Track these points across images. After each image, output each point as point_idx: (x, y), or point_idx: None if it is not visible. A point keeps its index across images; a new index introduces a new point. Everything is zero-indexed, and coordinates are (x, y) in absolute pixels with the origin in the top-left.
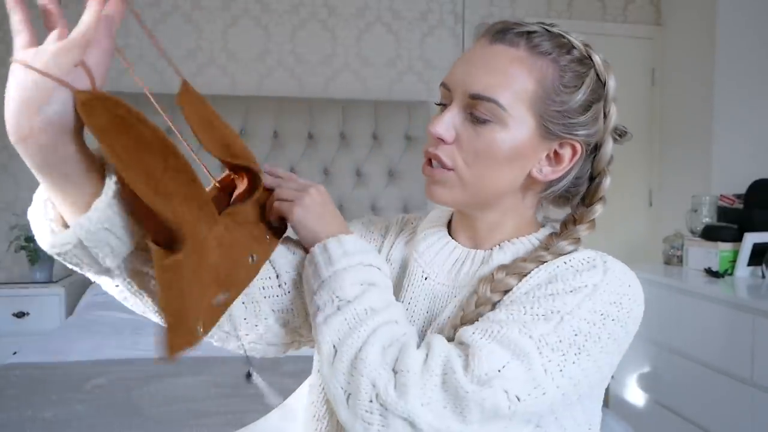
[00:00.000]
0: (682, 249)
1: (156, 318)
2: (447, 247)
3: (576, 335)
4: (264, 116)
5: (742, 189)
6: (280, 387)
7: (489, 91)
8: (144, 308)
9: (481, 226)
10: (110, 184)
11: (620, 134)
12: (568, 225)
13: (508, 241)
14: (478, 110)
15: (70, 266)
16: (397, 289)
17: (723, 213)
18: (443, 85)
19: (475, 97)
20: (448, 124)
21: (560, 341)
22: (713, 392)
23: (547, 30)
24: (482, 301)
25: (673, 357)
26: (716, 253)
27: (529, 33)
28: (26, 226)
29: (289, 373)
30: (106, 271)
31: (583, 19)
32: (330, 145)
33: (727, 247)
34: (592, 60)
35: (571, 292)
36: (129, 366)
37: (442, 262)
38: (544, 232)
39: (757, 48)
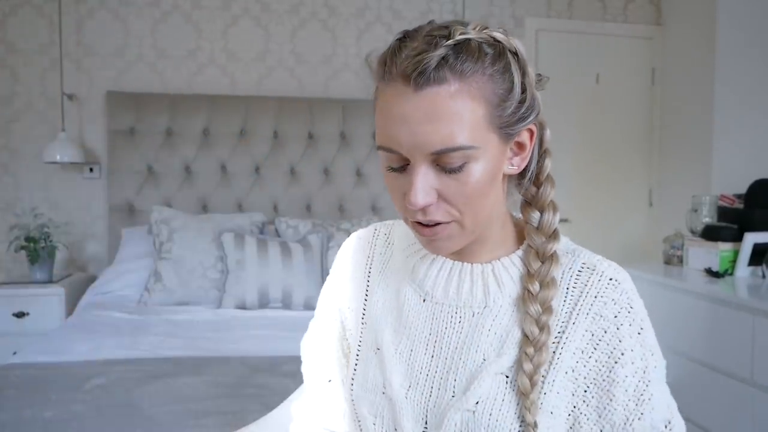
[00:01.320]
0: (682, 249)
1: None
2: (435, 264)
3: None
4: (264, 116)
5: (742, 189)
6: (280, 387)
7: (449, 141)
8: None
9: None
10: None
11: (539, 81)
12: (531, 206)
13: (507, 257)
14: (448, 162)
15: None
16: (396, 315)
17: (723, 213)
18: (386, 149)
19: (439, 153)
20: (426, 189)
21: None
22: (713, 392)
23: (453, 45)
24: (543, 323)
25: (674, 357)
26: (716, 253)
27: (444, 60)
28: (26, 226)
29: (288, 373)
30: None
31: (583, 19)
32: (330, 145)
33: (727, 247)
34: (498, 41)
35: (632, 329)
36: (129, 366)
37: (435, 279)
38: (524, 246)
39: (757, 48)
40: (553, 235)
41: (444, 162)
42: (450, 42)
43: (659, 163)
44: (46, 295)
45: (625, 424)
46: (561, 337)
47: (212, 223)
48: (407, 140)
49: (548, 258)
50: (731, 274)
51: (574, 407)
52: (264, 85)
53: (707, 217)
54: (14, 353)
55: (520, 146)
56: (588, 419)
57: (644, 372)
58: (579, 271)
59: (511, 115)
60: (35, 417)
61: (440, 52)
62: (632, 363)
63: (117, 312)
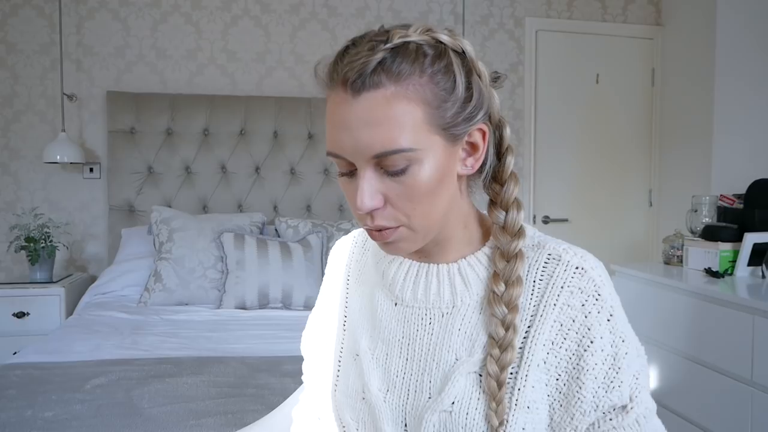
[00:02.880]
0: (682, 249)
1: None
2: (402, 266)
3: (635, 351)
4: (264, 116)
5: (742, 189)
6: (280, 387)
7: (389, 144)
8: None
9: (430, 241)
10: None
11: (495, 79)
12: (496, 205)
13: (473, 255)
14: (390, 166)
15: None
16: (372, 321)
17: (723, 213)
18: (333, 155)
19: (380, 156)
20: (371, 192)
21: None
22: (713, 392)
23: (391, 48)
24: (508, 323)
25: (673, 357)
26: (716, 253)
27: (380, 64)
28: (26, 226)
29: (288, 373)
30: None
31: (583, 19)
32: None
33: (727, 247)
34: (442, 43)
35: (601, 316)
36: (129, 366)
37: (403, 282)
38: (490, 244)
39: (757, 48)
40: (518, 233)
41: (386, 165)
42: (388, 45)
43: (659, 163)
44: (46, 295)
45: (594, 410)
46: (530, 332)
47: (212, 223)
48: (349, 145)
49: (513, 257)
50: (731, 274)
51: (548, 396)
52: (264, 85)
53: (707, 217)
54: (14, 353)
55: (473, 146)
56: (560, 406)
57: (614, 359)
58: (545, 263)
59: (455, 116)
60: (35, 417)
61: (378, 56)
62: (602, 350)
63: (117, 312)
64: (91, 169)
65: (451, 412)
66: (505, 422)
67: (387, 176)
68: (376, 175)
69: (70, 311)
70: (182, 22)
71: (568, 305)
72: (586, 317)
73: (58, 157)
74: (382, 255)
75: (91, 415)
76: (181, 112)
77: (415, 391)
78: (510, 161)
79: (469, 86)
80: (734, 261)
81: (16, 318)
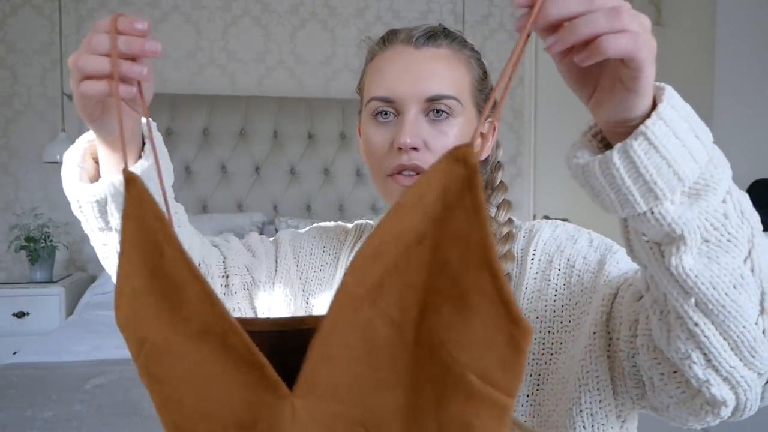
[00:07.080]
0: None
1: None
2: None
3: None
4: (264, 116)
5: (742, 189)
6: None
7: (443, 89)
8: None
9: None
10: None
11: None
12: (489, 203)
13: None
14: (435, 110)
15: (76, 213)
16: None
17: None
18: (382, 99)
19: (434, 99)
20: (415, 131)
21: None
22: None
23: (444, 28)
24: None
25: None
26: None
27: (442, 32)
28: (26, 226)
29: None
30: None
31: None
32: (330, 145)
33: None
34: (472, 45)
35: (568, 240)
36: (129, 366)
37: None
38: None
39: (757, 48)
40: (507, 222)
41: (433, 109)
42: (442, 26)
43: None
44: (46, 295)
45: (596, 272)
46: (516, 296)
47: (212, 223)
48: (407, 88)
49: (503, 237)
50: None
51: (549, 332)
52: (264, 85)
53: None
54: (14, 353)
55: (484, 137)
56: (572, 324)
57: (588, 252)
58: (523, 237)
59: (485, 100)
60: (35, 417)
61: (436, 26)
62: (583, 257)
63: None
64: None
65: None
66: None
67: (429, 122)
68: (420, 118)
69: (70, 311)
70: (182, 22)
71: (544, 251)
72: (558, 246)
73: (58, 156)
74: None
75: (91, 415)
76: (181, 112)
77: None
78: (500, 174)
79: (491, 85)
80: None
81: (16, 318)
